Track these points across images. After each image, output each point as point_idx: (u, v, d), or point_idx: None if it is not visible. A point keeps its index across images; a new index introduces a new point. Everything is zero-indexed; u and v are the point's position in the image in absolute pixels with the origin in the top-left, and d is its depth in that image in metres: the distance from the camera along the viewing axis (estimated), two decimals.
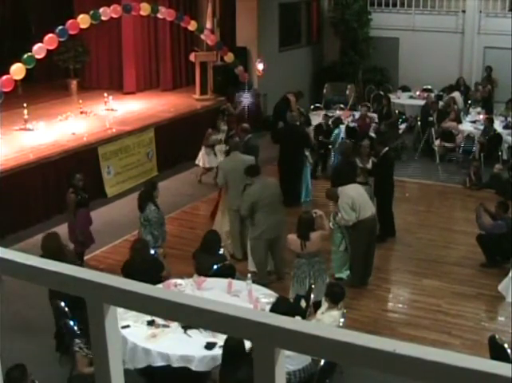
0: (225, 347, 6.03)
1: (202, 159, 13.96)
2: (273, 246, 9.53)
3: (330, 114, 15.91)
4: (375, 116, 15.91)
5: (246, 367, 5.77)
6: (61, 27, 13.37)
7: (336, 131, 14.50)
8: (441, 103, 16.43)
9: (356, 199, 9.32)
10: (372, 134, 14.75)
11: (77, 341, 6.74)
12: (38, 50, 12.99)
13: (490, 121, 15.00)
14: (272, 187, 9.62)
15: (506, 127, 15.16)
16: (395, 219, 11.31)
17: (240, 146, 11.11)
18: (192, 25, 16.03)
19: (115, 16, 14.55)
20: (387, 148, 11.31)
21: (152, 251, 8.51)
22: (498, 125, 15.20)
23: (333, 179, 10.81)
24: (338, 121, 14.94)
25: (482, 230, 10.38)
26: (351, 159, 11.25)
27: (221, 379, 6.14)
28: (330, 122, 14.93)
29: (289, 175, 12.61)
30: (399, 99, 17.93)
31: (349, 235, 9.58)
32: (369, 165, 11.41)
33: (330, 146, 14.41)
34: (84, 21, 13.79)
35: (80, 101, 15.35)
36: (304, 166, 12.76)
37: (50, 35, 13.21)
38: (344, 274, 9.77)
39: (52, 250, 7.77)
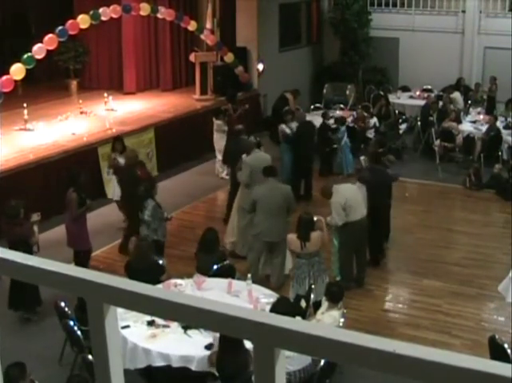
0: None
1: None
2: (272, 252, 9.47)
3: (331, 114, 15.85)
4: (374, 120, 15.85)
5: (243, 351, 5.81)
6: (60, 27, 13.37)
7: (342, 128, 14.49)
8: (441, 103, 16.42)
9: (349, 199, 9.23)
10: (370, 135, 14.73)
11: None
12: (38, 50, 12.99)
13: (493, 120, 14.96)
14: (278, 193, 9.35)
15: (506, 127, 15.15)
16: (392, 220, 11.25)
17: (256, 144, 11.06)
18: (192, 26, 16.03)
19: (114, 16, 14.55)
20: (380, 150, 11.20)
21: (160, 262, 8.48)
22: (497, 125, 15.18)
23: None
24: (342, 119, 14.91)
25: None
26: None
27: (218, 363, 6.16)
28: (333, 121, 14.91)
29: (305, 173, 13.09)
30: (399, 99, 17.92)
31: (338, 237, 9.55)
32: None
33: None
34: (83, 21, 13.79)
35: (80, 101, 15.35)
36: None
37: (50, 35, 13.21)
38: None
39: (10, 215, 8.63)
